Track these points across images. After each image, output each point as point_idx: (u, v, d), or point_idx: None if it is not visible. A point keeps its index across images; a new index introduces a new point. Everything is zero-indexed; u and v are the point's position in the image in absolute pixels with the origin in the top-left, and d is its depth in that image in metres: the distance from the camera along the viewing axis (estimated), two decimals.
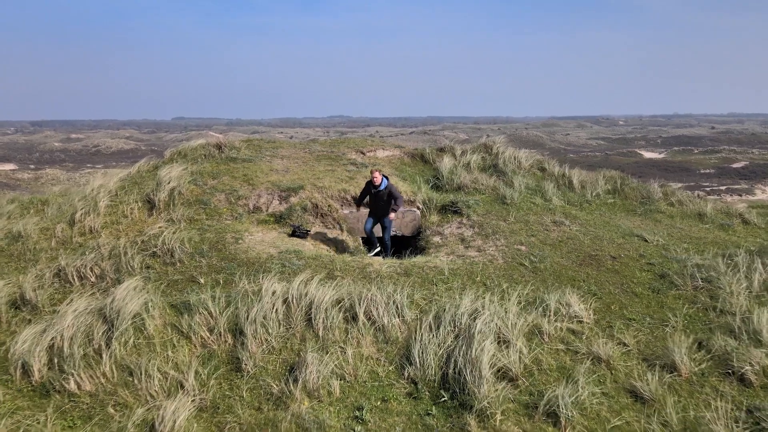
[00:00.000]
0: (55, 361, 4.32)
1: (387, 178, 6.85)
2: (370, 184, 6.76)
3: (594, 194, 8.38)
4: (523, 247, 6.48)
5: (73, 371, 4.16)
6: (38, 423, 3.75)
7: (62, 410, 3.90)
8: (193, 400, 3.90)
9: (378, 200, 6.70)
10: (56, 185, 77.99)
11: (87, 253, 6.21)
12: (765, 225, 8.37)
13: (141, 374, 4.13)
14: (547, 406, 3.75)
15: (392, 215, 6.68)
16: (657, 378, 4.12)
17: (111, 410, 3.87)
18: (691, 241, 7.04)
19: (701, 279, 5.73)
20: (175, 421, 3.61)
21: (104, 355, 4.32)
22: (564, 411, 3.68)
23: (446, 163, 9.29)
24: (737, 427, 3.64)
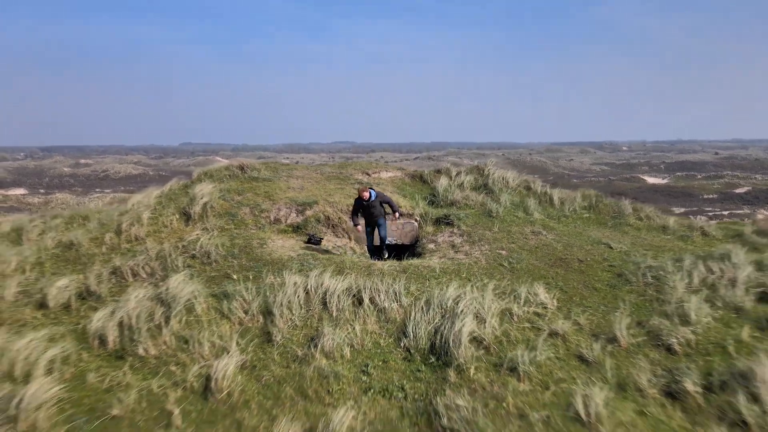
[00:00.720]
0: (126, 333, 5.48)
1: (373, 189, 7.89)
2: (359, 200, 7.68)
3: (571, 209, 9.58)
4: (503, 252, 7.64)
5: (140, 340, 5.32)
6: (118, 377, 4.85)
7: (135, 368, 5.05)
8: (235, 361, 4.97)
9: (372, 210, 7.70)
10: (66, 210, 79.80)
11: (137, 255, 7.41)
12: (722, 237, 9.41)
13: (194, 343, 5.29)
14: (510, 364, 4.83)
15: (396, 215, 7.80)
16: (600, 347, 5.20)
17: (173, 368, 5.00)
18: (651, 248, 8.18)
19: (651, 277, 6.83)
20: (224, 373, 4.72)
21: (164, 329, 5.49)
22: (523, 367, 4.75)
23: (442, 182, 10.62)
24: (657, 381, 4.65)
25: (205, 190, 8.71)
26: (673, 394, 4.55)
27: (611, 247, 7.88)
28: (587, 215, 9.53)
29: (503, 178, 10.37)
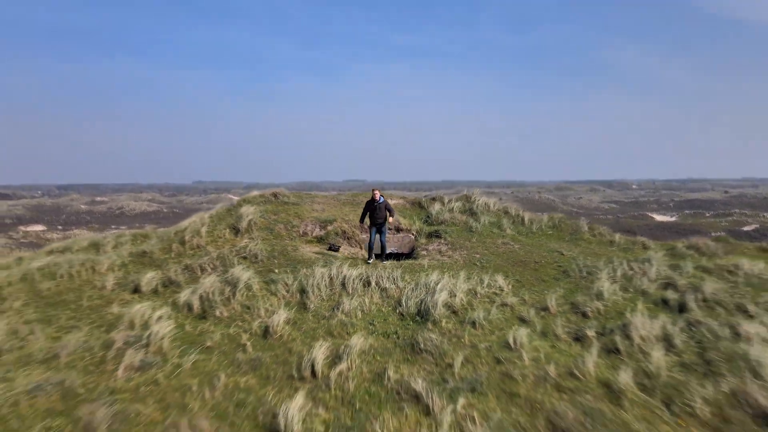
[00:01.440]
0: (205, 303, 7.86)
1: (382, 196, 10.26)
2: (371, 201, 9.94)
3: (537, 227, 12.08)
4: (477, 255, 10.05)
5: (216, 306, 7.70)
6: (205, 327, 7.14)
7: (215, 323, 7.40)
8: (283, 318, 7.32)
9: (378, 212, 9.92)
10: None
11: (202, 256, 9.83)
12: (658, 249, 11.45)
13: (254, 308, 7.68)
14: (470, 320, 7.16)
15: (391, 219, 10.09)
16: (535, 312, 7.50)
17: (241, 322, 7.37)
18: (595, 255, 10.45)
19: (586, 273, 9.03)
20: (276, 324, 7.08)
21: (232, 300, 7.87)
22: (479, 321, 7.08)
23: (435, 207, 13.16)
24: (569, 331, 6.84)
25: (249, 211, 11.31)
26: (578, 338, 6.76)
27: (563, 254, 10.20)
28: (550, 232, 11.98)
29: (485, 204, 12.92)
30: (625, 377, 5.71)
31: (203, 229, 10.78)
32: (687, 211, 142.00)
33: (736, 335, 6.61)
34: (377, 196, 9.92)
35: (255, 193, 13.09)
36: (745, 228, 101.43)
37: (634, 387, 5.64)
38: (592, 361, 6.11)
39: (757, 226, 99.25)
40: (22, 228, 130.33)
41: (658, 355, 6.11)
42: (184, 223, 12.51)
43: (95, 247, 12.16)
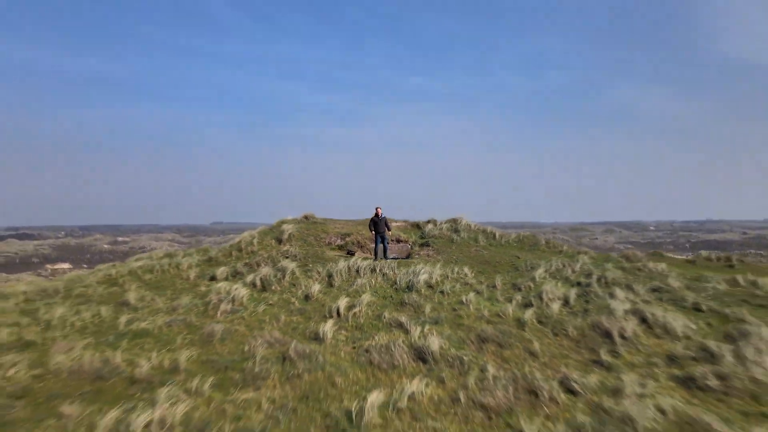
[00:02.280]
0: (264, 282, 11.53)
1: (381, 212, 14.01)
2: (375, 216, 13.77)
3: (505, 241, 15.80)
4: (454, 257, 13.71)
5: (272, 284, 11.42)
6: (266, 295, 10.70)
7: (272, 293, 10.96)
8: (318, 289, 10.95)
9: (380, 224, 13.82)
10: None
11: (257, 257, 13.50)
12: (597, 257, 14.69)
13: (297, 285, 11.39)
14: (440, 289, 10.75)
15: (389, 232, 13.92)
16: (486, 287, 10.80)
17: (288, 293, 11.04)
18: (543, 258, 13.66)
19: (530, 267, 12.46)
20: (313, 292, 10.74)
21: (282, 280, 11.57)
22: (446, 291, 10.64)
23: (429, 226, 16.90)
24: (506, 297, 10.29)
25: (288, 227, 15.30)
26: (509, 300, 10.26)
27: (518, 257, 13.70)
28: (515, 244, 15.67)
29: (467, 224, 16.71)
30: (529, 316, 9.05)
31: (254, 240, 14.70)
32: (702, 252, 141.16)
33: (611, 296, 9.88)
34: (379, 213, 13.83)
35: (289, 217, 16.95)
36: None
37: (535, 321, 8.96)
38: (511, 309, 9.53)
39: None
40: (49, 266, 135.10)
41: (555, 306, 9.42)
42: (237, 238, 16.25)
43: (170, 256, 15.88)
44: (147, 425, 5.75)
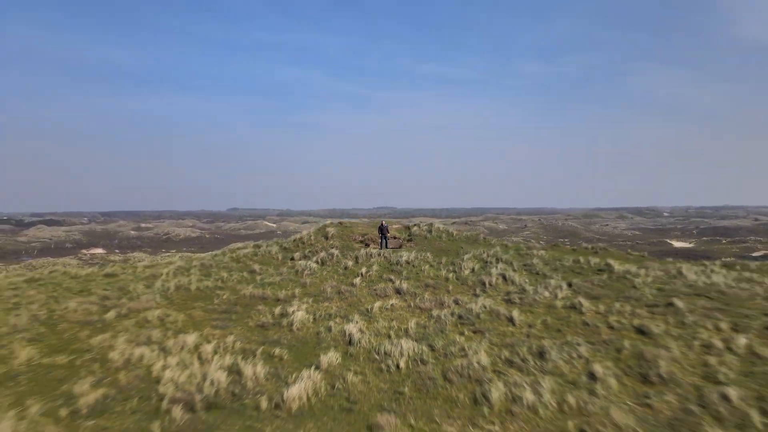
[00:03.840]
0: (324, 260, 21.13)
1: (385, 223, 23.73)
2: (380, 225, 23.33)
3: (458, 237, 24.97)
4: (425, 247, 23.06)
5: (327, 261, 20.90)
6: (320, 269, 20.68)
7: (326, 266, 20.63)
8: (351, 263, 20.53)
9: (383, 229, 23.19)
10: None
11: (315, 247, 23.29)
12: (510, 246, 24.40)
13: (339, 262, 20.79)
14: (412, 264, 19.94)
15: (389, 234, 23.46)
16: (436, 263, 20.35)
17: (335, 266, 20.43)
18: (476, 248, 23.31)
19: (465, 253, 22.00)
20: (348, 266, 20.12)
21: (331, 259, 21.03)
22: (415, 265, 19.94)
23: (414, 228, 26.33)
24: (445, 268, 19.88)
25: (330, 229, 24.77)
26: (446, 269, 19.65)
27: (462, 248, 23.17)
28: (464, 239, 24.95)
29: (437, 227, 26.20)
30: (452, 276, 18.64)
31: (312, 237, 24.54)
32: (705, 238, 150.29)
33: (495, 267, 19.68)
34: (383, 223, 23.63)
35: (329, 220, 26.92)
36: (754, 254, 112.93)
37: (453, 279, 18.51)
38: (444, 273, 18.96)
39: (766, 252, 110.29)
40: (86, 251, 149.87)
41: (466, 272, 19.08)
42: (298, 234, 26.33)
43: (258, 246, 26.11)
44: (288, 314, 15.84)
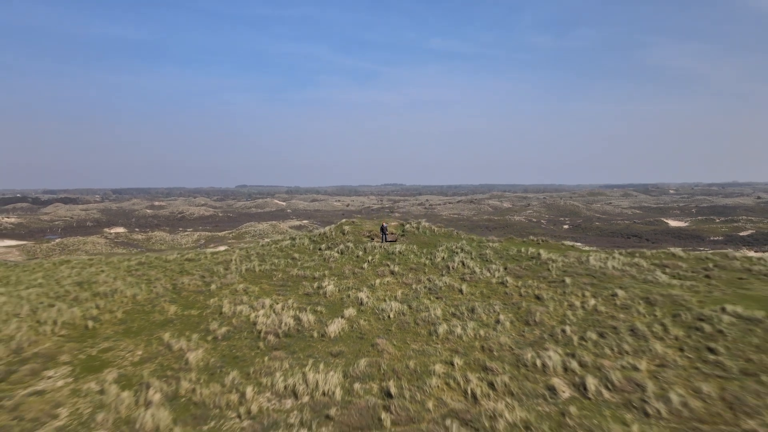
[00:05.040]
0: (344, 250, 30.46)
1: (385, 223, 32.56)
2: (382, 225, 31.21)
3: (438, 233, 33.15)
4: (414, 241, 31.60)
5: (345, 251, 29.18)
6: (343, 256, 30.12)
7: (345, 254, 30.03)
8: (361, 253, 29.72)
9: (384, 228, 30.91)
10: (163, 244, 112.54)
11: (335, 240, 32.27)
12: (475, 239, 33.52)
13: (353, 252, 29.59)
14: (402, 254, 27.77)
15: (387, 230, 31.90)
16: (420, 252, 29.44)
17: (351, 255, 29.18)
18: (451, 241, 32.28)
19: (441, 245, 31.15)
20: (360, 254, 28.52)
21: (348, 251, 30.07)
22: (405, 254, 28.13)
23: (407, 226, 34.80)
24: (424, 257, 29.02)
25: (347, 227, 33.17)
26: (425, 257, 28.50)
27: (439, 241, 32.08)
28: (443, 235, 33.45)
29: (424, 225, 34.87)
30: (428, 262, 26.84)
31: (332, 233, 33.48)
32: (700, 218, 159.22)
33: (458, 256, 28.81)
34: (384, 224, 32.66)
35: (344, 220, 35.98)
36: (742, 233, 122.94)
37: (429, 264, 26.57)
38: (424, 260, 26.84)
39: (753, 231, 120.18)
40: (108, 230, 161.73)
41: (438, 259, 27.80)
42: (322, 230, 35.52)
43: (293, 239, 35.45)
44: (322, 287, 25.12)
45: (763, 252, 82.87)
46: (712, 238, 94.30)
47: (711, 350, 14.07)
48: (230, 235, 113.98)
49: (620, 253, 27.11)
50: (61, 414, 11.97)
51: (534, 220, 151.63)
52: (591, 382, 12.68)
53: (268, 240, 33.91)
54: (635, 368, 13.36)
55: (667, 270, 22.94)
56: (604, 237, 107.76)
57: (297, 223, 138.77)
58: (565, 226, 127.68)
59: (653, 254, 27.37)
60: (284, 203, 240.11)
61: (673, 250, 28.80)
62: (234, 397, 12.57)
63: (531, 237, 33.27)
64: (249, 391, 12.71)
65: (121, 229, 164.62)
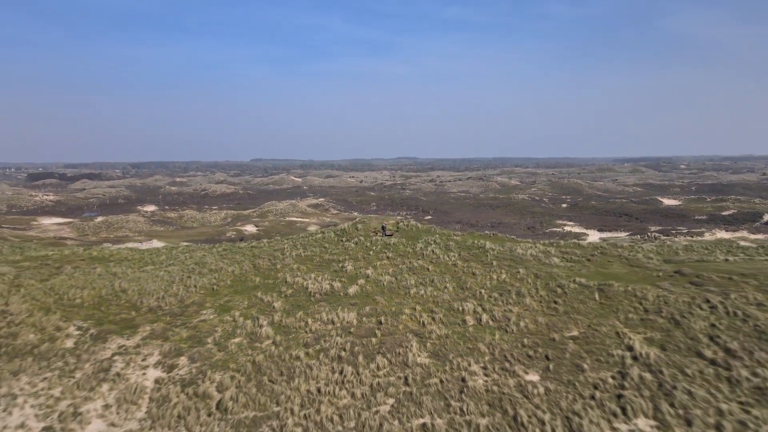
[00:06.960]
0: (357, 242, 46.20)
1: (385, 223, 46.88)
2: (382, 225, 42.53)
3: (423, 229, 47.25)
4: (404, 236, 44.02)
5: (359, 244, 43.88)
6: (358, 247, 46.71)
7: (359, 246, 46.48)
8: (371, 243, 46.39)
9: (384, 228, 42.31)
10: (194, 222, 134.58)
11: (352, 234, 46.67)
12: (448, 233, 49.57)
13: (365, 241, 43.49)
14: (394, 245, 41.76)
15: (387, 228, 44.58)
16: (407, 243, 45.45)
17: (363, 246, 41.86)
18: (432, 235, 47.96)
19: (418, 237, 47.53)
20: (369, 244, 40.60)
21: (360, 242, 46.04)
22: (396, 245, 42.55)
23: (401, 224, 49.59)
24: (412, 247, 44.35)
25: (359, 225, 46.09)
26: (410, 247, 43.70)
27: (421, 236, 47.79)
28: (426, 230, 47.86)
29: (413, 224, 49.73)
30: (410, 250, 40.80)
31: (350, 229, 47.21)
32: (692, 197, 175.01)
33: (433, 246, 44.87)
34: (384, 223, 48.35)
35: (358, 218, 51.73)
36: (724, 213, 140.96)
37: (411, 251, 42.12)
38: (410, 248, 40.31)
39: (735, 210, 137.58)
40: (140, 208, 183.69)
41: (418, 248, 42.68)
42: (342, 226, 51.21)
43: (323, 233, 51.73)
44: (345, 267, 41.58)
45: (735, 232, 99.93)
46: (696, 217, 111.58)
47: (555, 302, 29.89)
48: (254, 214, 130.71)
49: (543, 244, 42.52)
50: (218, 330, 27.86)
51: (537, 198, 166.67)
52: (484, 317, 27.58)
53: (306, 234, 50.51)
54: (510, 311, 28.53)
55: (565, 256, 38.44)
56: (597, 216, 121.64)
57: (314, 201, 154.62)
58: (564, 205, 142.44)
59: (565, 244, 43.02)
60: (300, 180, 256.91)
61: (578, 241, 44.59)
62: (302, 323, 28.18)
63: (485, 231, 49.06)
64: (310, 321, 28.69)
65: (152, 207, 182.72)
